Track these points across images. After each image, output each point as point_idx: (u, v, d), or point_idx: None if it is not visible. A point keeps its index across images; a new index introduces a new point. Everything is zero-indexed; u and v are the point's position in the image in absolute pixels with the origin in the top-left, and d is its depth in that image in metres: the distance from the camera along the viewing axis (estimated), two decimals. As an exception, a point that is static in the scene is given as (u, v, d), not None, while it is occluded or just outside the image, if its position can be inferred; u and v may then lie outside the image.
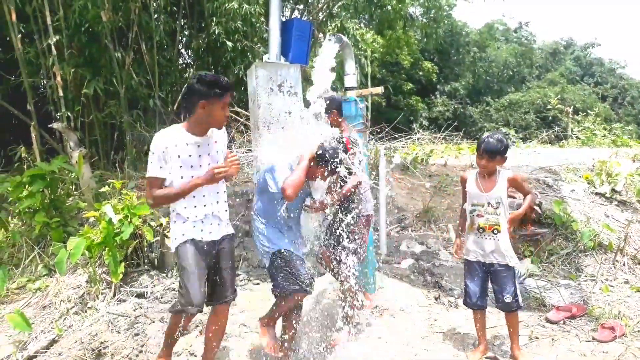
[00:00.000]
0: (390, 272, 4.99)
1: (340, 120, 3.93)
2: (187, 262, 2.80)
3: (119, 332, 3.79)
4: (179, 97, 2.62)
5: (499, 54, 31.00)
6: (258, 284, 4.79)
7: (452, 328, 3.98)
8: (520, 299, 3.45)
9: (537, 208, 5.77)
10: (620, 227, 5.75)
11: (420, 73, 25.09)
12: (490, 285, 3.52)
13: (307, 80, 5.85)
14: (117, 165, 7.38)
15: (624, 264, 5.14)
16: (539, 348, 3.68)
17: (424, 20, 15.68)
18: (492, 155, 3.30)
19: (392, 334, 3.83)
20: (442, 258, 5.49)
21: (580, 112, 16.25)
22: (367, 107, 4.95)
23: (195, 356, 3.49)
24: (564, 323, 4.09)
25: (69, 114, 6.67)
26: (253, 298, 4.43)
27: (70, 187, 6.03)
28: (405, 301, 4.38)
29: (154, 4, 7.58)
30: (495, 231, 3.38)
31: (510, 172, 3.48)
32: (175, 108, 8.56)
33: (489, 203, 3.39)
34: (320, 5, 10.71)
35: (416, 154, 8.98)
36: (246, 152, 8.12)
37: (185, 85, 2.84)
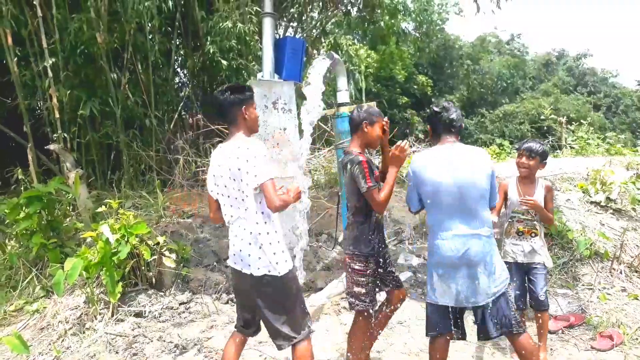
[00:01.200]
0: (388, 286, 4.99)
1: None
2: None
3: (117, 353, 3.79)
4: (218, 113, 2.60)
5: (492, 66, 31.26)
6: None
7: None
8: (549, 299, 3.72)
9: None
10: (616, 235, 5.77)
11: (415, 87, 25.27)
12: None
13: (301, 97, 5.91)
14: (114, 185, 7.40)
15: (620, 272, 5.16)
16: None
17: (417, 35, 15.85)
18: (531, 153, 3.56)
19: (391, 347, 3.83)
20: (440, 270, 5.49)
21: (574, 122, 16.34)
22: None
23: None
24: (563, 332, 4.10)
25: (65, 135, 6.71)
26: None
27: (67, 207, 6.04)
28: (403, 314, 4.38)
29: (149, 25, 7.66)
30: (533, 234, 3.61)
31: (548, 182, 3.76)
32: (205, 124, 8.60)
33: (528, 210, 3.60)
34: (313, 23, 10.84)
35: (412, 167, 9.00)
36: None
37: (217, 103, 2.86)
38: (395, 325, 4.20)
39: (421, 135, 23.66)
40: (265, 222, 2.68)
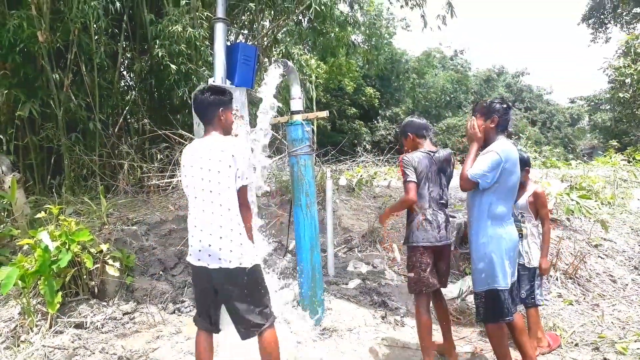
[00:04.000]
0: (338, 293, 5.02)
1: (418, 141, 3.75)
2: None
3: (55, 366, 3.60)
4: (196, 110, 2.59)
5: (436, 80, 32.32)
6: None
7: (399, 346, 4.04)
8: (537, 297, 3.93)
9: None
10: (552, 244, 6.07)
11: (363, 98, 25.76)
12: None
13: (252, 104, 5.88)
14: (54, 190, 7.07)
15: (556, 279, 5.43)
16: (482, 362, 3.81)
17: (366, 47, 16.12)
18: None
19: (340, 355, 3.85)
20: (388, 277, 5.59)
21: (513, 136, 17.13)
22: (313, 131, 5.03)
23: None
24: (504, 337, 4.25)
25: (1, 137, 6.37)
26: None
27: (2, 213, 5.71)
28: (352, 321, 4.42)
29: (95, 26, 7.41)
30: (519, 235, 3.73)
31: (539, 187, 3.99)
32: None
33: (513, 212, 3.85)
34: (265, 31, 10.82)
35: (361, 176, 9.15)
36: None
37: (197, 101, 2.90)
38: (344, 332, 4.22)
39: (368, 146, 24.12)
40: (237, 215, 2.79)
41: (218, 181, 2.74)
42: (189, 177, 2.85)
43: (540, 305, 4.01)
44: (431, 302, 3.74)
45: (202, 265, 2.78)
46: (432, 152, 3.66)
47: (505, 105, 3.27)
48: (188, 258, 2.89)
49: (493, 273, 3.12)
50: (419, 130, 3.77)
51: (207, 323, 2.97)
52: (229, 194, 2.75)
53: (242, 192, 2.78)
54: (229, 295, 2.81)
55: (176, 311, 4.59)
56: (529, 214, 3.91)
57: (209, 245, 2.74)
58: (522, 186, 3.86)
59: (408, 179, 3.52)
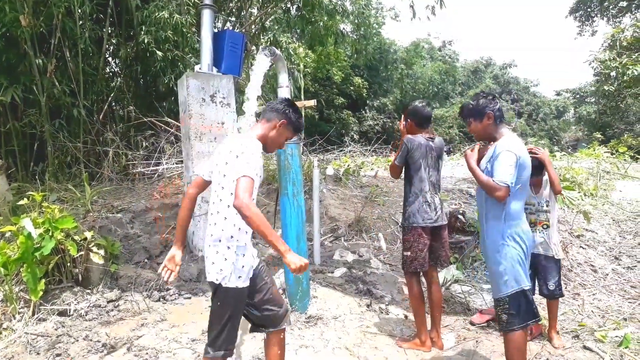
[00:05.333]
0: (323, 282, 5.04)
1: (417, 130, 3.85)
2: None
3: (38, 354, 3.57)
4: (268, 106, 2.51)
5: (424, 71, 32.32)
6: (189, 298, 4.68)
7: (384, 334, 4.08)
8: (562, 288, 3.98)
9: (461, 217, 6.07)
10: (535, 234, 6.15)
11: (351, 88, 25.69)
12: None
13: (239, 92, 5.84)
14: (37, 177, 6.98)
15: (539, 268, 5.50)
16: (464, 349, 3.86)
17: (355, 37, 16.08)
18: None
19: (325, 343, 3.88)
20: (374, 266, 5.62)
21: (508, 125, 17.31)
22: (300, 120, 5.00)
23: None
24: (487, 325, 4.31)
25: (-17, 122, 6.26)
26: (184, 312, 4.34)
27: (-16, 200, 5.63)
28: (338, 310, 4.45)
29: (79, 10, 7.29)
30: (545, 226, 3.86)
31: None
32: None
33: (538, 202, 3.88)
34: (252, 19, 10.73)
35: (348, 165, 9.16)
36: (177, 164, 7.95)
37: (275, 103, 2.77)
38: (329, 320, 4.25)
39: (356, 136, 24.14)
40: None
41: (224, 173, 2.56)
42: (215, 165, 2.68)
43: (563, 295, 4.11)
44: (425, 289, 3.93)
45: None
46: (431, 138, 3.85)
47: (491, 97, 3.21)
48: (240, 282, 2.54)
49: (517, 273, 2.97)
50: (422, 122, 3.87)
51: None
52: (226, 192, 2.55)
53: (237, 182, 2.34)
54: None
55: (161, 299, 4.58)
56: (552, 202, 3.90)
57: (206, 257, 2.62)
58: (539, 182, 3.89)
59: (397, 161, 3.81)
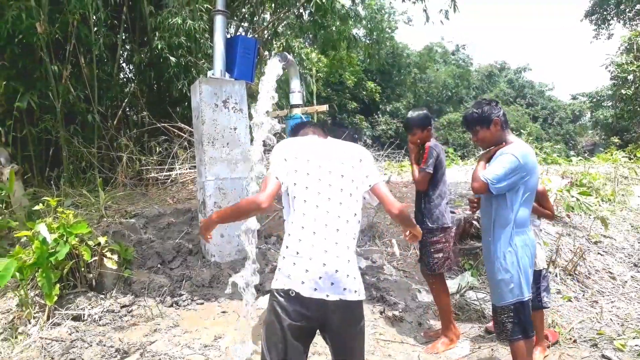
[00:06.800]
0: (336, 288, 5.00)
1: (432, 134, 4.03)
2: None
3: (52, 358, 3.58)
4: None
5: (438, 75, 32.24)
6: (202, 303, 4.67)
7: (397, 341, 4.04)
8: (543, 300, 3.80)
9: (475, 223, 6.00)
10: (552, 240, 6.06)
11: (364, 92, 25.70)
12: None
13: (252, 97, 5.85)
14: (52, 182, 7.05)
15: (555, 275, 5.41)
16: (480, 357, 3.80)
17: (367, 41, 16.08)
18: None
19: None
20: (387, 272, 5.57)
21: (514, 132, 17.15)
22: (312, 125, 4.99)
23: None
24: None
25: (0, 128, 6.34)
26: (196, 318, 4.33)
27: (0, 205, 5.70)
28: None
29: (94, 17, 7.37)
30: None
31: (540, 185, 3.71)
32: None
33: None
34: (265, 24, 10.78)
35: (360, 171, 9.11)
36: (190, 169, 7.98)
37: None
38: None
39: (369, 141, 24.09)
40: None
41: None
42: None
43: (547, 307, 3.92)
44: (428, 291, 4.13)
45: (319, 298, 2.06)
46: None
47: (494, 103, 3.17)
48: (291, 285, 2.08)
49: (520, 283, 2.94)
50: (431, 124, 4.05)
51: None
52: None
53: None
54: (346, 333, 2.22)
55: (174, 304, 4.57)
56: (533, 215, 3.83)
57: (336, 270, 2.09)
58: None
59: (427, 169, 3.80)
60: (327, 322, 2.13)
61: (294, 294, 2.05)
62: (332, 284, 2.06)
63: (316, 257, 2.07)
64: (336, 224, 2.15)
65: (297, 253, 2.09)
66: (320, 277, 2.05)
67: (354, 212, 2.22)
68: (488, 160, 3.07)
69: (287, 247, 2.14)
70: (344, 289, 2.08)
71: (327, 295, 2.05)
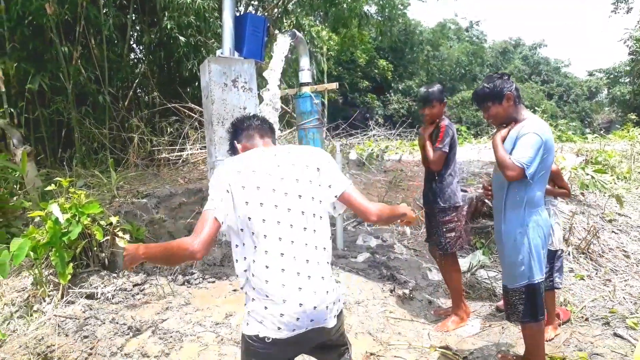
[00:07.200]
0: (346, 267, 5.02)
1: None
2: None
3: (67, 335, 3.65)
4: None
5: (451, 52, 31.74)
6: (213, 282, 4.72)
7: (407, 319, 4.05)
8: (555, 280, 3.77)
9: (487, 201, 5.95)
10: (565, 218, 5.99)
11: (376, 71, 25.42)
12: None
13: (261, 76, 5.80)
14: (64, 163, 7.11)
15: (568, 254, 5.36)
16: (490, 335, 3.79)
17: (379, 18, 15.81)
18: None
19: (348, 328, 3.86)
20: (397, 251, 5.57)
21: (528, 109, 16.95)
22: (323, 104, 4.96)
23: (148, 357, 3.40)
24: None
25: (12, 110, 6.38)
26: (207, 296, 4.37)
27: (14, 186, 5.77)
28: (361, 295, 4.42)
29: (103, -3, 7.35)
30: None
31: (554, 166, 3.60)
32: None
33: None
34: (275, 1, 10.64)
35: (372, 150, 9.07)
36: (201, 149, 7.99)
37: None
38: (352, 305, 4.23)
39: (381, 120, 23.92)
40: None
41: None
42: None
43: (559, 288, 3.90)
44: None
45: (298, 333, 1.92)
46: None
47: (506, 76, 3.01)
48: (266, 332, 1.89)
49: (532, 265, 2.85)
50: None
51: None
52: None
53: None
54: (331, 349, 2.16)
55: (185, 283, 4.62)
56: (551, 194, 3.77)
57: (314, 307, 1.92)
58: None
59: (443, 149, 3.73)
60: (310, 345, 2.04)
61: (270, 340, 1.87)
62: (312, 320, 1.91)
63: (290, 298, 1.86)
64: (305, 255, 1.93)
65: (267, 296, 1.87)
66: (298, 319, 1.87)
67: (321, 234, 2.01)
68: (503, 141, 2.94)
69: (253, 288, 1.92)
70: (325, 319, 1.95)
71: (307, 328, 1.91)
